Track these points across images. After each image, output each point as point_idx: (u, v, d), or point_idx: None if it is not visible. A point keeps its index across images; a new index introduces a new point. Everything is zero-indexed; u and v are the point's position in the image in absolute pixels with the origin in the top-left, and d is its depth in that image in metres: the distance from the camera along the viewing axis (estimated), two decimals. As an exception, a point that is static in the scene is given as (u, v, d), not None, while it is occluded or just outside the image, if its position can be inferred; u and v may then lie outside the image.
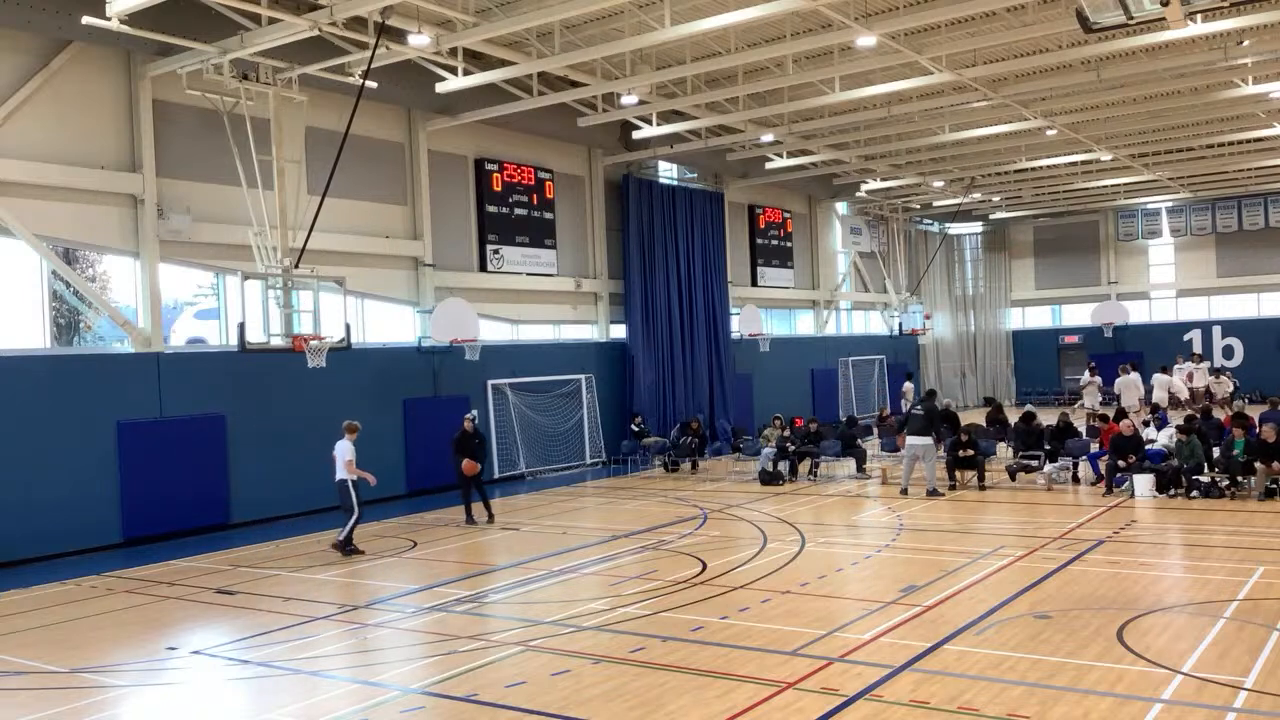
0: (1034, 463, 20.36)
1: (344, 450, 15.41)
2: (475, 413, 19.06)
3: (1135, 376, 28.11)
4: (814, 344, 36.35)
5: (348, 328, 18.89)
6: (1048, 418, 22.51)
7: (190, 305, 19.79)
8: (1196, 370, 32.64)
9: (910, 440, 19.43)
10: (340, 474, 15.39)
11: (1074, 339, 43.07)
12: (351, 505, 15.22)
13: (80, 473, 16.71)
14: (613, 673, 9.14)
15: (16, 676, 9.88)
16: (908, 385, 35.31)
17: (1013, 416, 24.03)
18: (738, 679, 8.79)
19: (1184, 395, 30.02)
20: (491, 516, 17.96)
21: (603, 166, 27.36)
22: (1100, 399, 29.49)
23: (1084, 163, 32.16)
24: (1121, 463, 18.25)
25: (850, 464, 22.85)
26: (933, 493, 18.97)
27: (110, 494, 17.13)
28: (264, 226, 17.89)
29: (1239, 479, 17.50)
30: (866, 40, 18.03)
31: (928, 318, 41.76)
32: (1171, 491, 17.76)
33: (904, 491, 19.16)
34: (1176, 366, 32.81)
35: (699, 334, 29.22)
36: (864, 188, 34.74)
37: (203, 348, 19.32)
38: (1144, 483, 17.83)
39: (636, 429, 25.78)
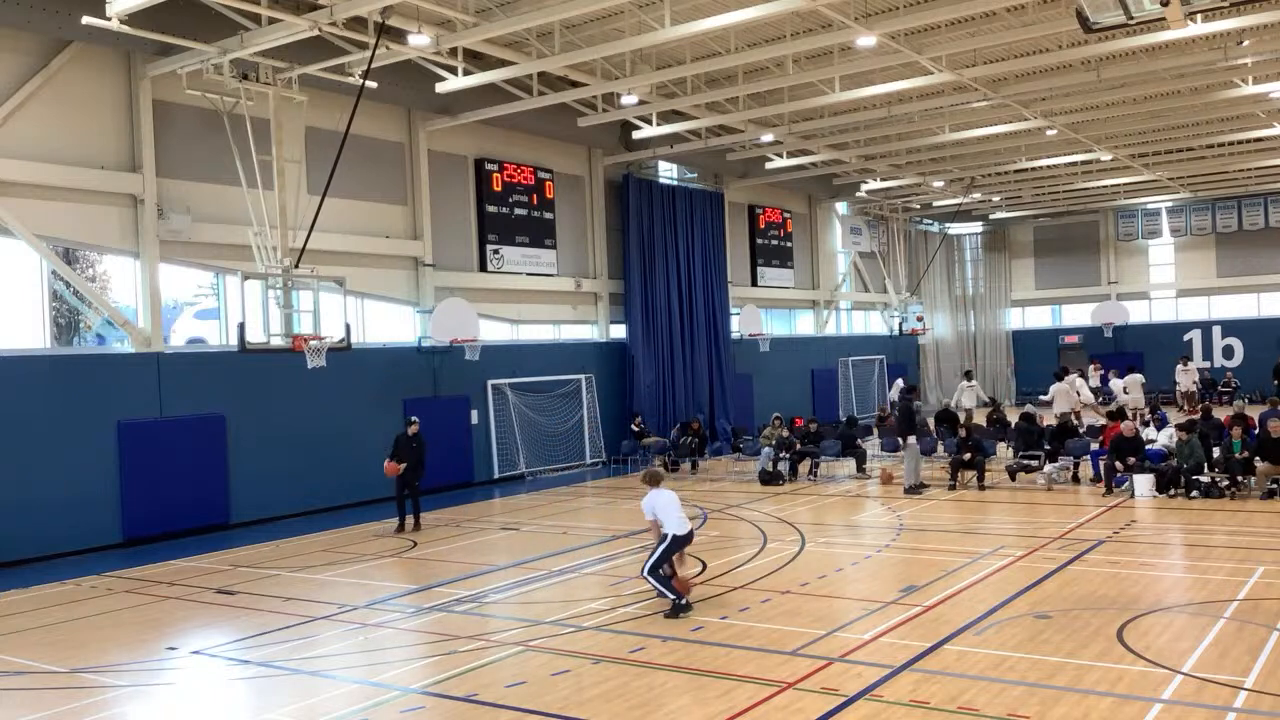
0: (1034, 463, 20.37)
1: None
2: (418, 419, 18.11)
3: (1066, 384, 28.33)
4: (814, 344, 36.34)
5: (348, 328, 18.88)
6: (1047, 418, 22.60)
7: (190, 305, 19.79)
8: (1185, 372, 32.69)
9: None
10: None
11: (1074, 339, 43.07)
12: None
13: (80, 473, 16.71)
14: (613, 673, 9.14)
15: (16, 676, 9.88)
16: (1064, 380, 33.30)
17: (1012, 416, 24.07)
18: (738, 679, 8.78)
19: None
20: (418, 526, 17.46)
21: (603, 166, 27.36)
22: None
23: (1084, 163, 32.16)
24: (1120, 464, 18.25)
25: (850, 464, 22.87)
26: (908, 489, 19.34)
27: (110, 494, 17.13)
28: (264, 226, 17.89)
29: (1239, 479, 17.50)
30: (866, 40, 18.03)
31: (919, 320, 41.66)
32: (1171, 491, 17.75)
33: (908, 490, 19.33)
34: (1180, 369, 32.94)
35: (699, 334, 29.22)
36: (864, 188, 34.73)
37: (203, 348, 19.31)
38: (1144, 483, 17.82)
39: (636, 429, 25.77)
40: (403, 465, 17.17)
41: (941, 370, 43.14)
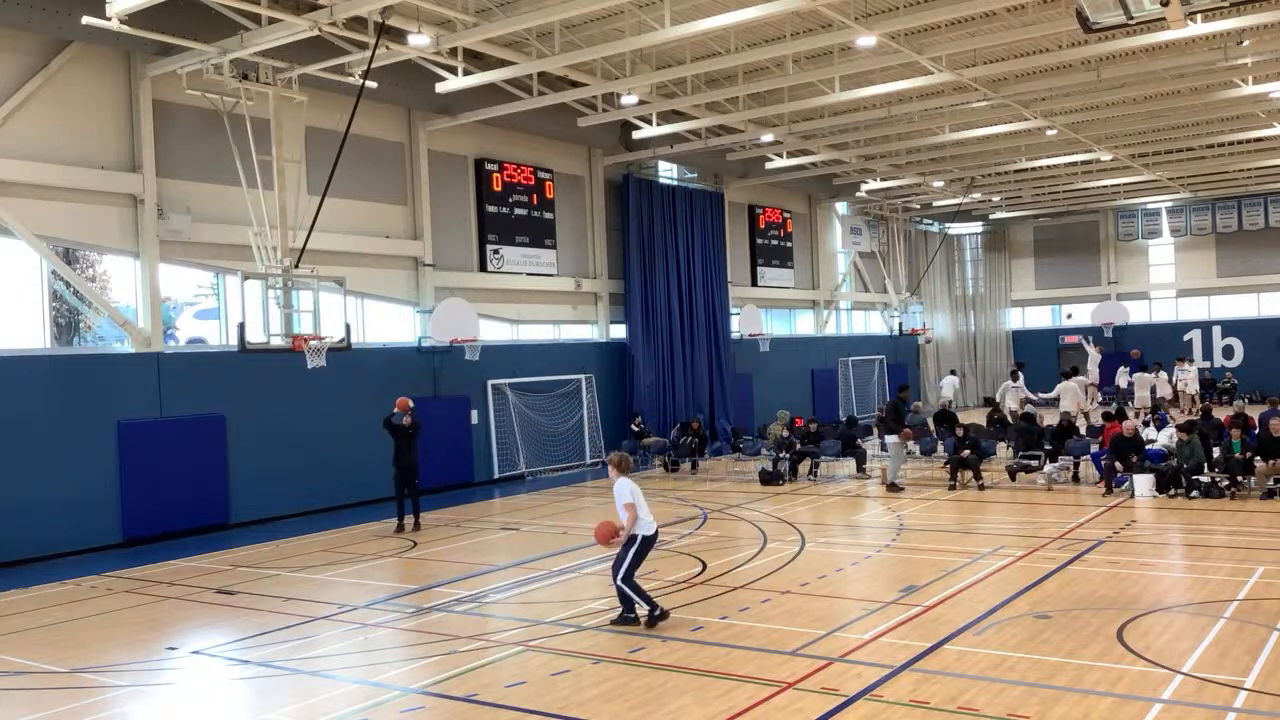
0: (1034, 463, 20.38)
1: None
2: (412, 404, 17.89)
3: (1074, 383, 28.08)
4: (814, 344, 36.34)
5: (348, 328, 18.88)
6: (1049, 417, 22.61)
7: (190, 305, 19.79)
8: (1184, 375, 32.60)
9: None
10: None
11: (1074, 339, 43.06)
12: None
13: (80, 473, 16.71)
14: (613, 673, 9.14)
15: (16, 676, 9.88)
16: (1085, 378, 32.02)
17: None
18: (738, 679, 8.78)
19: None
20: (418, 525, 17.37)
21: (603, 166, 27.36)
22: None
23: (1084, 163, 32.16)
24: (1120, 464, 18.25)
25: (850, 464, 22.87)
26: (891, 486, 19.76)
27: (110, 494, 17.12)
28: (264, 226, 17.89)
29: (1239, 479, 17.50)
30: (866, 40, 18.03)
31: (927, 336, 41.58)
32: (1171, 491, 17.75)
33: (898, 488, 19.71)
34: (1178, 369, 32.87)
35: (699, 334, 29.21)
36: (864, 188, 34.74)
37: (203, 348, 19.32)
38: (1144, 483, 17.82)
39: (636, 429, 25.77)
40: (410, 403, 17.51)
41: (941, 370, 43.12)
